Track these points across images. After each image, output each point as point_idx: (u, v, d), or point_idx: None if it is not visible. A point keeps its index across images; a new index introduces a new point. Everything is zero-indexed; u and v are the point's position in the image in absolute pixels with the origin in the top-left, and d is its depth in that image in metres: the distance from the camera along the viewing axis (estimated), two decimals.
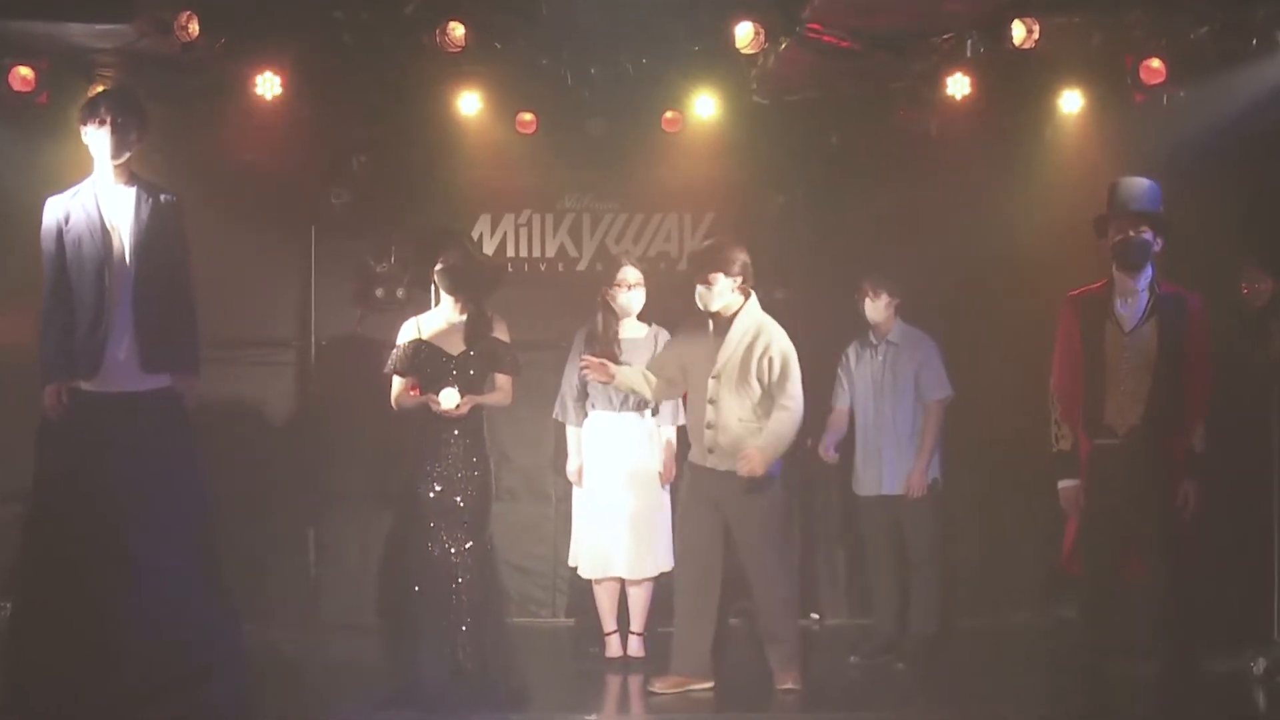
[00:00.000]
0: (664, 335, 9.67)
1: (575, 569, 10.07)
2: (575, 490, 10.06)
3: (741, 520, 8.80)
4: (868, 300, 9.95)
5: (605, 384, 9.17)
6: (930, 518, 9.86)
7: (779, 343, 8.86)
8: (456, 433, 8.41)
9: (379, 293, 11.11)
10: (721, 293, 8.85)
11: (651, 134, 10.81)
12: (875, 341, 9.99)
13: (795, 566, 8.93)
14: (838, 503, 10.95)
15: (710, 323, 8.95)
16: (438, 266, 8.62)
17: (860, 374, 10.03)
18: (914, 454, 9.79)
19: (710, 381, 8.83)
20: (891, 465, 9.83)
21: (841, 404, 10.13)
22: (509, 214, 11.35)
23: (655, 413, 9.74)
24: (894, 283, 9.95)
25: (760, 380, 8.78)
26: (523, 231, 11.35)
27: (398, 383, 8.66)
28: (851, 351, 10.13)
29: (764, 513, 8.80)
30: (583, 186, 11.32)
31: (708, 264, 8.91)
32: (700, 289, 8.90)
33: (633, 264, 9.81)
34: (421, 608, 8.23)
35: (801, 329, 11.08)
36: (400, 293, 11.00)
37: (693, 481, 8.99)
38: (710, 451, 8.80)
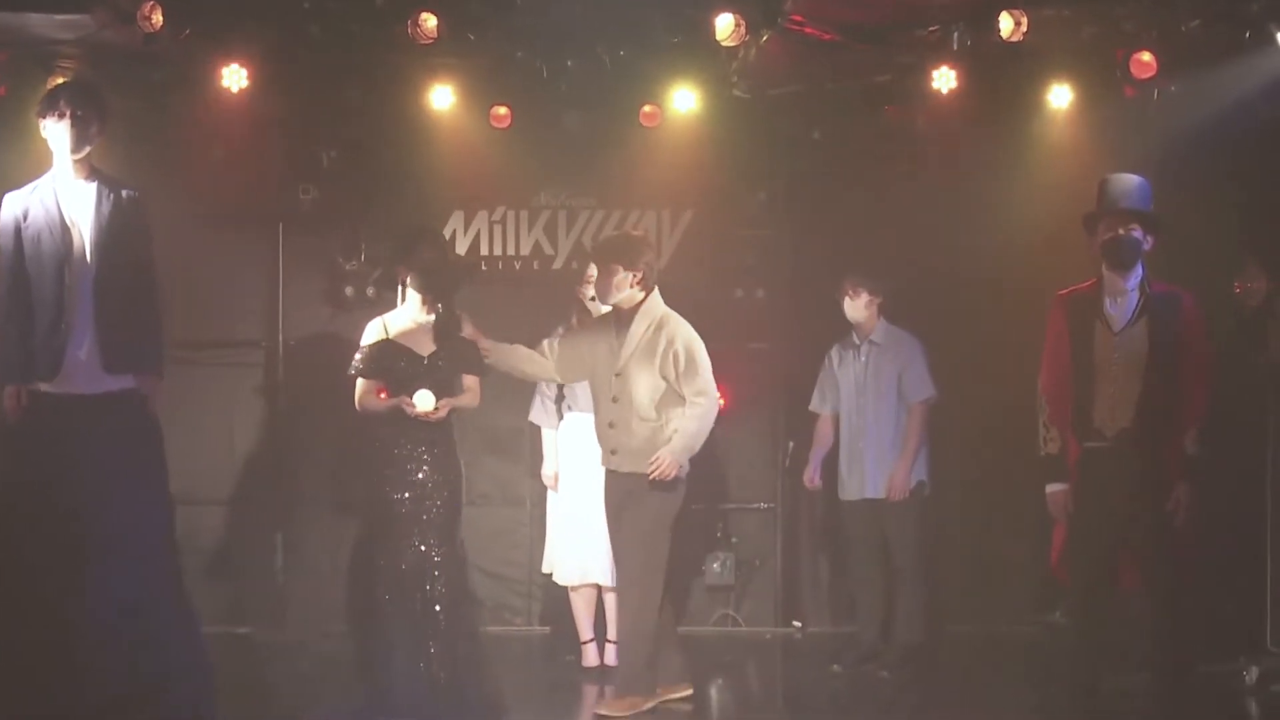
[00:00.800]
0: None
1: (550, 575, 10.05)
2: (550, 495, 10.03)
3: (628, 515, 8.58)
4: (848, 299, 9.93)
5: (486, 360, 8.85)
6: (915, 522, 9.84)
7: (684, 334, 8.57)
8: (425, 436, 8.33)
9: (348, 291, 11.10)
10: (619, 286, 8.61)
11: (629, 128, 10.78)
12: (858, 342, 9.98)
13: (663, 582, 8.58)
14: (820, 508, 10.95)
15: (613, 319, 8.74)
16: (411, 264, 8.51)
17: (844, 376, 10.02)
18: (897, 457, 9.77)
19: (613, 379, 8.60)
20: (874, 468, 9.82)
21: (825, 410, 10.12)
22: (482, 211, 11.33)
23: None
24: (875, 281, 9.93)
25: (666, 376, 8.52)
26: (497, 229, 11.34)
27: (362, 385, 8.49)
28: (834, 353, 10.12)
29: (649, 509, 8.51)
30: (558, 182, 11.33)
31: (608, 255, 8.69)
32: (599, 281, 8.74)
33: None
34: (392, 617, 8.17)
35: (783, 330, 11.16)
36: (370, 291, 10.99)
37: (606, 488, 8.80)
38: (613, 453, 8.59)
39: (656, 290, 8.69)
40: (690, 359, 8.51)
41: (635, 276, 8.58)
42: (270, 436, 11.32)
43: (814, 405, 10.21)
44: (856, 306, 9.92)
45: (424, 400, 8.21)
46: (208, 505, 11.02)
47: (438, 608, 8.20)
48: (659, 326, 8.57)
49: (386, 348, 8.42)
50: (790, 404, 11.13)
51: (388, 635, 8.19)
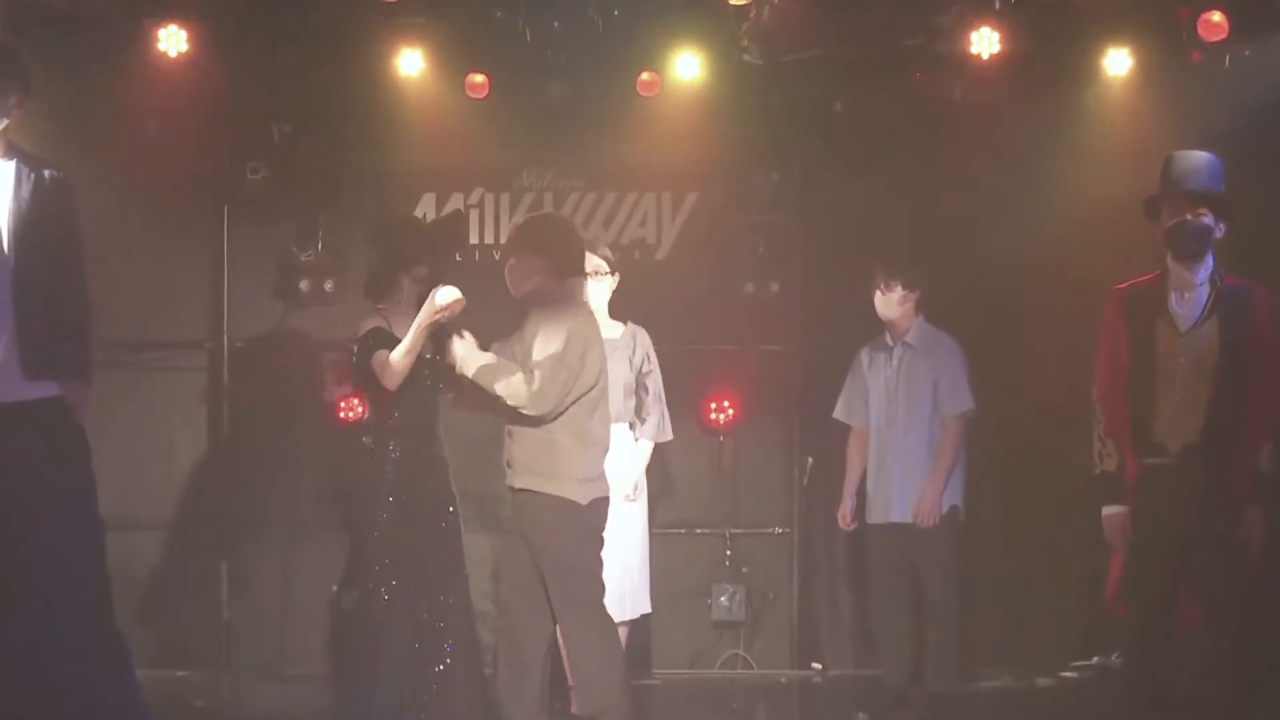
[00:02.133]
0: (643, 336, 9.60)
1: None
2: None
3: (540, 548, 8.26)
4: (879, 294, 9.89)
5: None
6: (947, 551, 9.82)
7: (567, 323, 8.24)
8: (419, 454, 8.36)
9: (303, 285, 11.12)
10: (528, 274, 8.35)
11: (624, 100, 10.77)
12: (891, 343, 9.95)
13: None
14: (841, 532, 10.92)
15: (530, 313, 8.40)
16: (421, 273, 8.51)
17: (874, 380, 9.99)
18: (928, 476, 9.75)
19: None
20: (902, 489, 9.79)
21: (854, 422, 10.09)
22: (457, 193, 11.35)
23: (643, 421, 9.64)
24: (911, 274, 9.88)
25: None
26: (474, 214, 11.36)
27: (382, 354, 8.35)
28: (865, 355, 10.09)
29: (567, 537, 8.24)
30: (543, 161, 11.34)
31: (517, 241, 8.45)
32: (508, 271, 8.56)
33: (596, 250, 9.65)
34: (382, 671, 8.18)
35: (800, 330, 11.15)
36: (329, 285, 11.01)
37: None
38: (509, 465, 8.34)
39: (580, 281, 8.49)
40: (547, 338, 8.17)
41: (545, 264, 8.37)
42: (215, 451, 11.32)
43: (840, 413, 10.19)
44: (889, 303, 9.88)
45: (447, 293, 8.15)
46: (143, 530, 11.01)
47: (447, 645, 8.25)
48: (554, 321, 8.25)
49: (386, 334, 8.40)
50: (808, 415, 11.12)
51: (371, 695, 8.18)
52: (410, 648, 8.24)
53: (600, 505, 8.26)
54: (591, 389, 8.18)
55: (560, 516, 8.16)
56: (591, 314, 8.42)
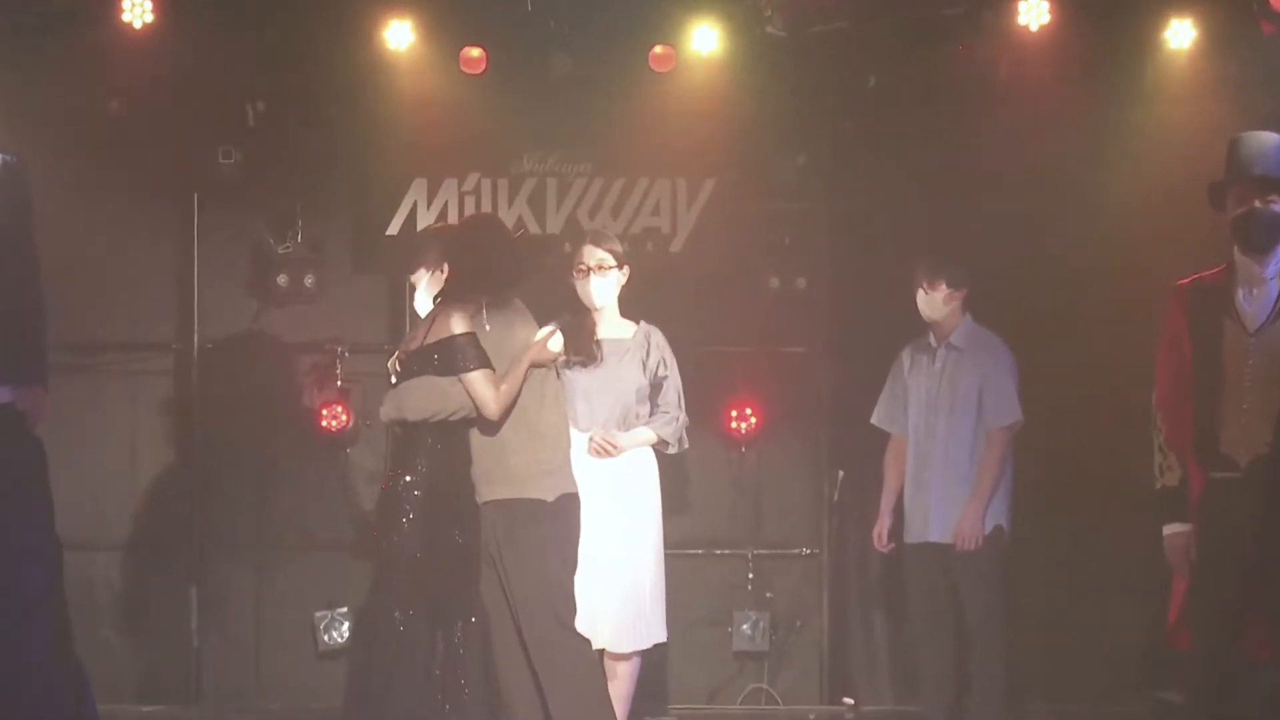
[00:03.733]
0: (657, 336, 9.57)
1: None
2: None
3: (499, 560, 8.42)
4: (922, 292, 9.90)
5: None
6: (991, 575, 9.82)
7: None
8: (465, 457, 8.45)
9: (281, 280, 11.10)
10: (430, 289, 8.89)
11: (635, 76, 10.81)
12: (934, 345, 9.96)
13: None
14: (876, 553, 10.94)
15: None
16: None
17: (914, 384, 10.01)
18: (970, 493, 9.79)
19: None
20: (941, 505, 9.81)
21: (894, 430, 10.11)
22: (450, 179, 11.32)
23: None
24: (957, 270, 9.90)
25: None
26: (469, 201, 11.32)
27: (489, 376, 8.35)
28: (906, 356, 10.10)
29: (534, 544, 8.40)
30: (546, 143, 11.30)
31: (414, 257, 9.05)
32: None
33: (600, 242, 9.66)
34: (393, 705, 8.25)
35: (829, 331, 11.14)
36: (309, 281, 11.00)
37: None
38: (475, 486, 8.56)
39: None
40: None
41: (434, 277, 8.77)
42: (182, 464, 11.32)
43: (878, 419, 10.20)
44: (933, 302, 9.88)
45: (557, 342, 8.31)
46: (104, 550, 11.05)
47: (463, 680, 8.32)
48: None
49: (478, 343, 8.43)
50: (838, 423, 11.14)
51: (386, 712, 8.27)
52: (427, 677, 8.29)
53: (569, 504, 8.42)
54: (531, 378, 8.41)
55: (518, 517, 8.33)
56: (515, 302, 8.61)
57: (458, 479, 8.45)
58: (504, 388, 8.30)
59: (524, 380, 8.32)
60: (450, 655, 8.34)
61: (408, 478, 8.39)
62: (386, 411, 8.60)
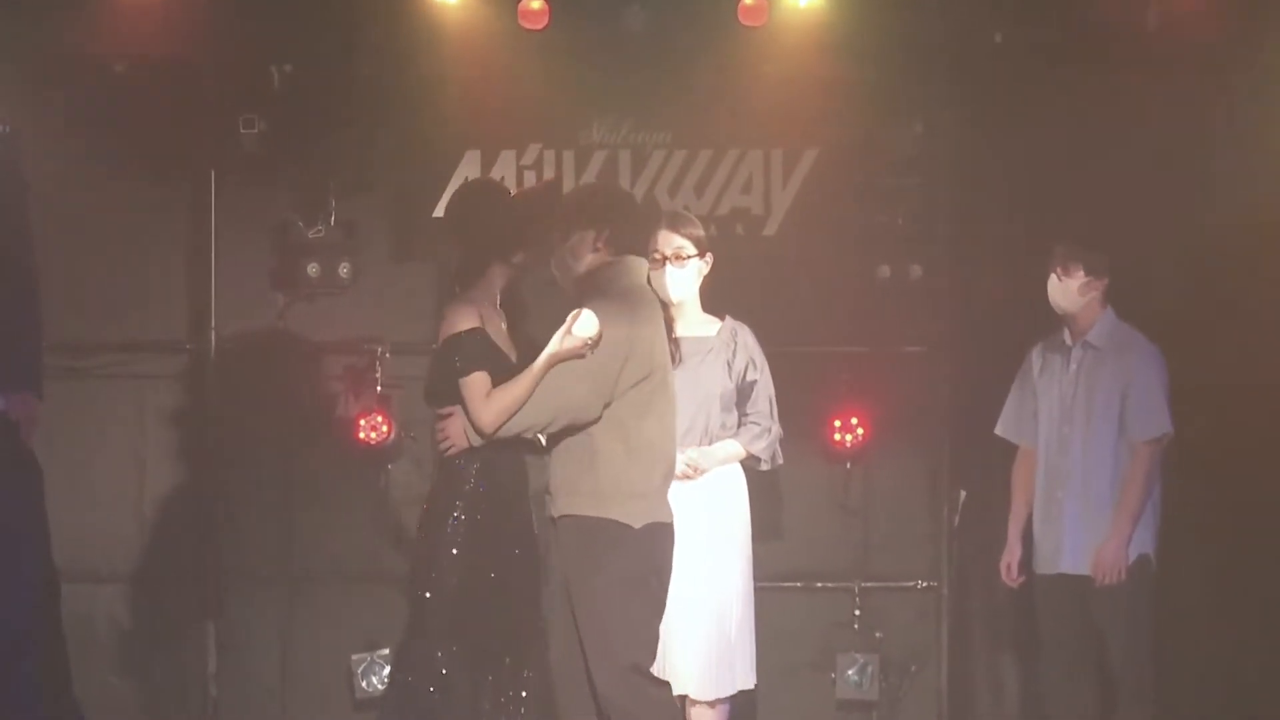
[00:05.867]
0: (746, 335, 9.57)
1: None
2: None
3: (569, 585, 8.41)
4: (1055, 279, 9.89)
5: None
6: (1137, 613, 9.82)
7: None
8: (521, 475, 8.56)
9: (311, 270, 11.12)
10: (577, 254, 8.52)
11: (721, 31, 10.86)
12: (1069, 343, 9.96)
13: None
14: (1004, 587, 10.97)
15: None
16: (517, 258, 8.64)
17: (1045, 389, 10.01)
18: (1110, 517, 9.83)
19: None
20: (1076, 532, 9.81)
21: (1023, 441, 10.12)
22: (508, 150, 11.38)
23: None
24: (1096, 256, 9.88)
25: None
26: (529, 176, 11.38)
27: (479, 380, 8.40)
28: (1036, 356, 10.11)
29: (612, 575, 8.31)
30: (619, 110, 11.37)
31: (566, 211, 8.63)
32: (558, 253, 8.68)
33: (678, 227, 9.69)
34: None
35: (950, 326, 11.15)
36: (343, 270, 11.02)
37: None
38: (548, 494, 8.52)
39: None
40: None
41: (595, 236, 8.53)
42: (196, 482, 11.38)
43: (1003, 429, 10.23)
44: (1068, 291, 9.85)
45: (588, 323, 8.24)
46: (108, 583, 11.12)
47: None
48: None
49: (485, 341, 8.49)
50: (960, 435, 11.16)
51: None
52: None
53: (659, 535, 8.34)
54: (640, 383, 8.31)
55: (598, 542, 8.26)
56: (646, 291, 8.55)
57: (510, 503, 8.55)
58: (499, 395, 8.29)
59: (535, 383, 8.24)
60: (501, 699, 8.44)
61: (456, 500, 8.48)
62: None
